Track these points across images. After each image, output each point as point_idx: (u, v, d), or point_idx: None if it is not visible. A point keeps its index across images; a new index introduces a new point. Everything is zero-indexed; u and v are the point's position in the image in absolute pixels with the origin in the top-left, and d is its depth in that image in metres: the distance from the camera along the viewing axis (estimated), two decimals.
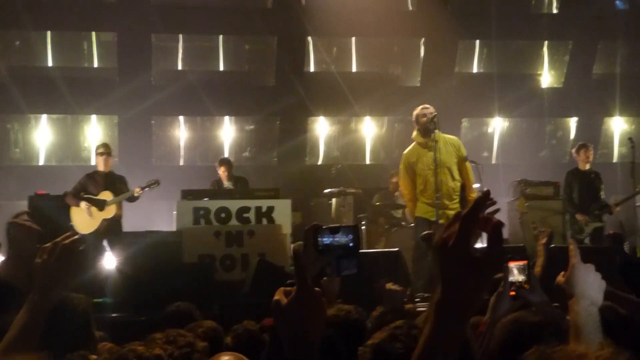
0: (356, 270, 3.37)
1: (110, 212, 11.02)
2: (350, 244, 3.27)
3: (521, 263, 3.94)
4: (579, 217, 11.96)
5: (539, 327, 2.85)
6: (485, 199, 1.64)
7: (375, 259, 8.70)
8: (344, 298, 4.75)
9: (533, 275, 3.89)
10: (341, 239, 3.26)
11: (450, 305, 1.53)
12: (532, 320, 3.04)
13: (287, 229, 10.88)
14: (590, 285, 2.61)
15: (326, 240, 3.25)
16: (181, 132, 16.84)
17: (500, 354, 2.95)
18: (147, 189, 11.27)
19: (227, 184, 12.83)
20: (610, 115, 17.95)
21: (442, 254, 1.57)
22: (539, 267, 4.58)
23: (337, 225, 3.35)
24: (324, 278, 4.77)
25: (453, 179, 9.14)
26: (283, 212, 11.38)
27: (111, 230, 10.99)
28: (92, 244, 10.62)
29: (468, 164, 9.41)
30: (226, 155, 15.69)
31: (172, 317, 4.80)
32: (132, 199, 11.30)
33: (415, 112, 9.21)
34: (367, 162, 17.29)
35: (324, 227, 3.31)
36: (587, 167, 12.21)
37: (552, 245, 8.95)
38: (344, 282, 4.80)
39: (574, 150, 12.58)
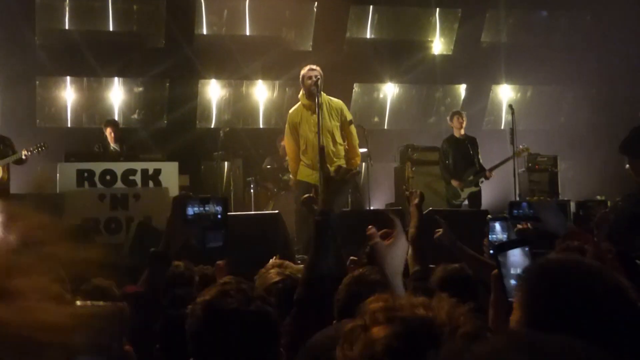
0: (222, 243, 3.35)
1: None
2: (219, 216, 3.25)
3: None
4: (454, 182, 12.32)
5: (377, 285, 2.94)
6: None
7: (254, 221, 8.70)
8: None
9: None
10: (210, 209, 3.24)
11: None
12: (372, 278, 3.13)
13: (174, 192, 10.77)
14: (390, 260, 2.86)
15: (195, 210, 3.22)
16: (67, 93, 16.39)
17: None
18: (35, 152, 10.99)
19: (113, 146, 12.61)
20: (498, 83, 18.36)
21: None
22: (412, 229, 4.64)
23: (207, 195, 3.32)
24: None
25: (335, 142, 9.20)
26: (170, 175, 11.29)
27: None
28: None
29: (353, 128, 9.49)
30: (115, 117, 15.37)
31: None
32: (20, 161, 11.02)
33: (302, 72, 9.25)
34: (261, 126, 17.24)
35: (193, 196, 3.29)
36: (462, 133, 12.53)
37: (431, 209, 9.19)
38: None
39: (448, 118, 12.90)
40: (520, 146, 12.82)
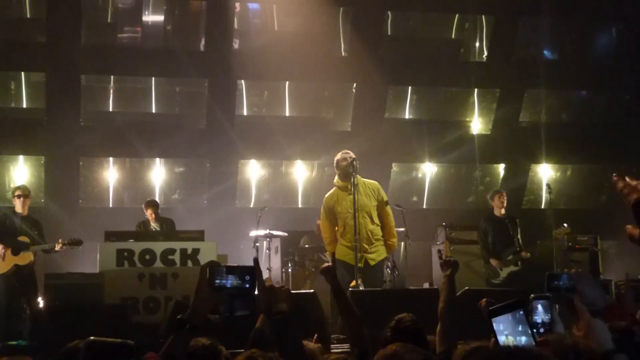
0: (249, 312, 3.37)
1: (25, 259, 10.84)
2: (247, 285, 3.27)
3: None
4: (493, 262, 12.19)
5: None
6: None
7: (290, 300, 8.65)
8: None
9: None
10: (236, 279, 3.27)
11: None
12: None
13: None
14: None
15: (222, 279, 3.25)
16: (110, 173, 16.68)
17: None
18: (69, 247, 11.11)
19: (153, 225, 12.75)
20: (537, 162, 18.30)
21: None
22: (442, 303, 4.55)
23: (234, 265, 3.35)
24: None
25: (372, 222, 9.24)
26: (208, 254, 11.31)
27: (21, 275, 10.81)
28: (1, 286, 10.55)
29: (388, 208, 9.52)
30: (156, 197, 15.56)
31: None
32: (51, 251, 11.15)
33: (336, 158, 9.41)
34: (299, 205, 17.32)
35: (220, 265, 3.32)
36: (502, 212, 12.45)
37: (467, 288, 9.09)
38: None
39: (488, 197, 12.84)
40: (561, 227, 12.71)
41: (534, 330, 3.72)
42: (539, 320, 4.42)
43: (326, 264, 4.63)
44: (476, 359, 1.93)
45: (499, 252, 12.24)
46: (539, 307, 4.58)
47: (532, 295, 5.31)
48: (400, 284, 12.64)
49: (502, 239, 12.30)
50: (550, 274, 4.56)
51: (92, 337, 1.92)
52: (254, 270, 3.20)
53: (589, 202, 18.28)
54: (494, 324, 2.37)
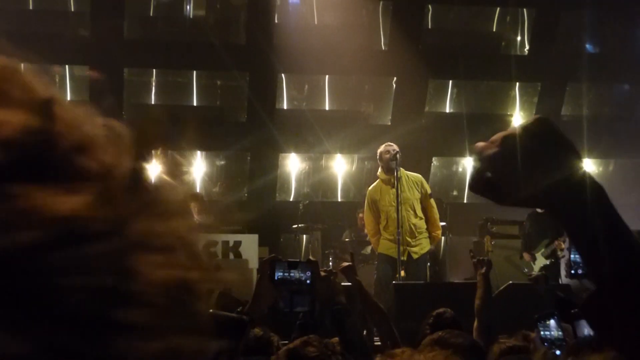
0: (309, 308, 3.38)
1: None
2: (308, 281, 3.28)
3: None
4: (525, 255, 12.10)
5: None
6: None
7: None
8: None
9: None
10: (298, 274, 3.28)
11: None
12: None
13: (253, 264, 10.86)
14: None
15: (283, 273, 3.26)
16: (151, 166, 16.78)
17: None
18: None
19: (197, 218, 12.84)
20: None
21: None
22: (478, 300, 4.56)
23: (296, 260, 3.36)
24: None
25: (416, 215, 9.22)
26: (250, 246, 11.38)
27: None
28: None
29: (432, 201, 9.51)
30: (197, 190, 15.67)
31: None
32: None
33: (379, 150, 9.37)
34: (339, 199, 17.34)
35: (282, 260, 3.33)
36: None
37: (511, 282, 9.06)
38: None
39: None
40: None
41: (573, 272, 3.71)
42: (579, 260, 4.28)
43: (345, 263, 4.69)
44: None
45: (534, 246, 12.13)
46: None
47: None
48: (440, 278, 12.62)
49: (539, 233, 12.16)
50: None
51: (210, 310, 1.93)
52: (316, 266, 3.22)
53: (632, 196, 18.07)
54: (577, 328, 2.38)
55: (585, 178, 1.25)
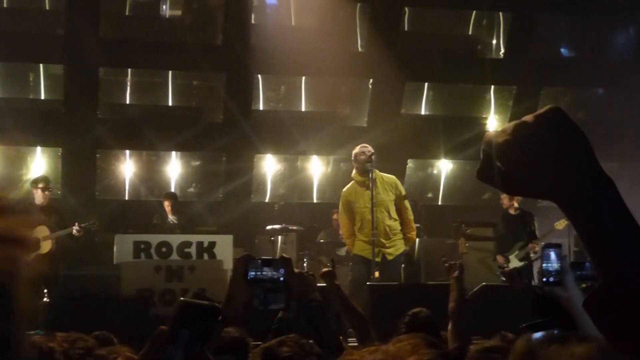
0: (284, 305, 3.38)
1: (44, 247, 10.78)
2: (281, 278, 3.27)
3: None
4: (498, 258, 12.17)
5: None
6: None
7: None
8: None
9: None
10: (271, 272, 3.27)
11: None
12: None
13: (228, 265, 10.86)
14: None
15: (256, 272, 3.25)
16: (126, 166, 16.74)
17: None
18: (86, 228, 11.07)
19: (171, 218, 12.79)
20: None
21: None
22: (452, 303, 4.57)
23: (269, 257, 3.35)
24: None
25: (390, 217, 9.23)
26: (225, 247, 11.39)
27: (44, 265, 10.78)
28: None
29: (407, 203, 9.52)
30: (172, 190, 15.62)
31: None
32: (68, 234, 11.07)
33: (354, 152, 9.36)
34: (314, 200, 17.34)
35: (255, 258, 3.32)
36: (515, 209, 12.33)
37: (484, 284, 9.11)
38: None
39: (501, 196, 12.72)
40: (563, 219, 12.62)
41: (545, 280, 3.72)
42: (551, 269, 4.35)
43: (326, 269, 4.71)
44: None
45: (508, 248, 12.21)
46: (552, 254, 4.52)
47: (542, 243, 5.27)
48: (415, 280, 12.66)
49: (512, 235, 12.24)
50: (574, 262, 4.51)
51: (182, 299, 1.94)
52: (289, 264, 3.21)
53: None
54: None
55: (597, 169, 1.25)
